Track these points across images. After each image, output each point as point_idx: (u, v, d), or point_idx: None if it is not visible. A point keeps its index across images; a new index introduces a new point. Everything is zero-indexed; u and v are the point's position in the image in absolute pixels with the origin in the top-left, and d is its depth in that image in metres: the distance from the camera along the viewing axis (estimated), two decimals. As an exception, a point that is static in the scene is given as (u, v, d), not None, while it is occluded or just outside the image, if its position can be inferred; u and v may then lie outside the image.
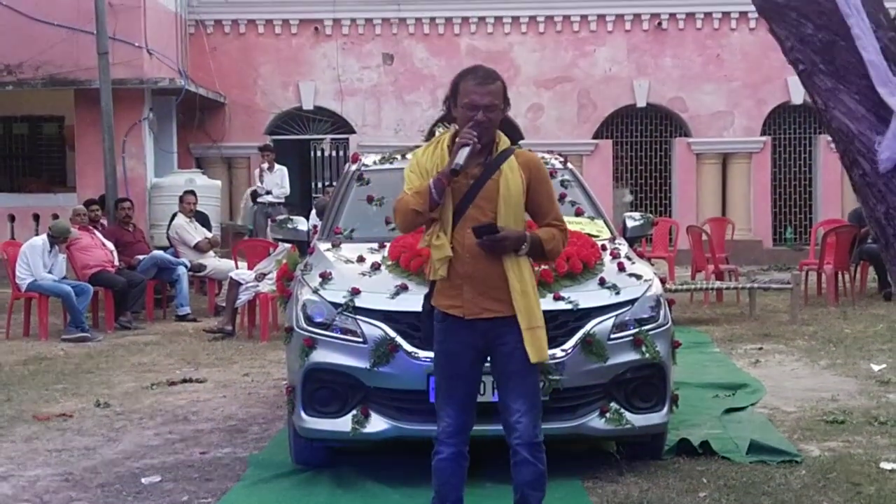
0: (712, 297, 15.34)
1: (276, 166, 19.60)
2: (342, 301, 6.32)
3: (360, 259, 6.73)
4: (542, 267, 6.41)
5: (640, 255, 7.49)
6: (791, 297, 13.60)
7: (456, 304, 4.87)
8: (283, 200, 19.59)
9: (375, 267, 6.58)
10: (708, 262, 15.75)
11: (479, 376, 5.01)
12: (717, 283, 14.78)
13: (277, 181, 19.44)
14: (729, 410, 8.25)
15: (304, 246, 7.64)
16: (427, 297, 5.07)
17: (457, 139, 4.83)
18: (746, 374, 9.79)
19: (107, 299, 13.80)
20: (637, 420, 6.38)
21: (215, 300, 14.80)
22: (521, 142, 20.39)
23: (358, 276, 6.52)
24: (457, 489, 5.02)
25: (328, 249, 7.08)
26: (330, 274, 6.56)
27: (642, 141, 23.28)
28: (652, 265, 7.63)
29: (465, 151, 4.73)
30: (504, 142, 4.97)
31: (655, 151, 23.30)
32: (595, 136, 22.71)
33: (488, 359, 4.97)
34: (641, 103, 22.65)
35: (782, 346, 11.41)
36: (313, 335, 6.32)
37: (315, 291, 6.47)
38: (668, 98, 22.63)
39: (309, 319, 6.39)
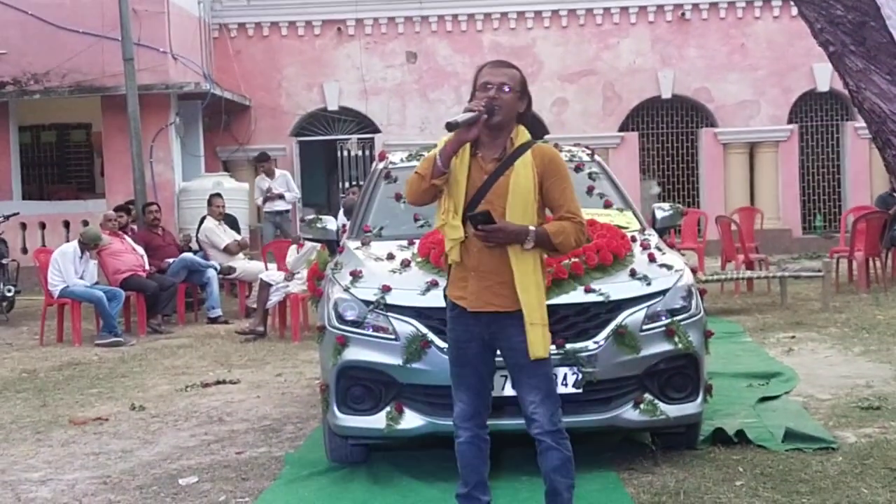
0: (743, 287, 15.29)
1: (277, 172, 19.37)
2: (373, 298, 6.32)
3: (390, 256, 6.74)
4: (573, 260, 6.42)
5: (671, 246, 7.46)
6: (822, 284, 13.55)
7: (462, 296, 4.95)
8: (289, 208, 19.35)
9: (405, 264, 6.58)
10: (738, 252, 15.69)
11: (489, 365, 5.05)
12: (748, 273, 14.72)
13: (284, 187, 19.18)
14: (763, 399, 8.21)
15: (333, 245, 7.66)
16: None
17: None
18: (779, 363, 9.75)
19: (139, 303, 13.88)
20: (671, 411, 6.36)
21: (246, 302, 14.86)
22: (546, 136, 20.42)
23: (388, 273, 6.53)
24: (479, 472, 5.10)
25: (358, 248, 7.09)
26: (360, 272, 6.57)
27: (668, 132, 23.23)
28: (682, 255, 7.60)
29: (467, 115, 4.76)
30: (522, 136, 4.97)
31: (682, 142, 23.25)
32: (621, 129, 22.68)
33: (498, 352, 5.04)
34: (667, 94, 22.60)
35: (815, 334, 11.36)
36: (345, 333, 6.33)
37: (346, 290, 6.48)
38: (693, 88, 22.58)
39: (341, 318, 6.40)
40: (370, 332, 6.29)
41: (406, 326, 6.18)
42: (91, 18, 18.70)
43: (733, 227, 16.15)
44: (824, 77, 21.71)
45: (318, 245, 8.49)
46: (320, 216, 7.98)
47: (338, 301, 6.48)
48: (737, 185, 22.58)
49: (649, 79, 22.56)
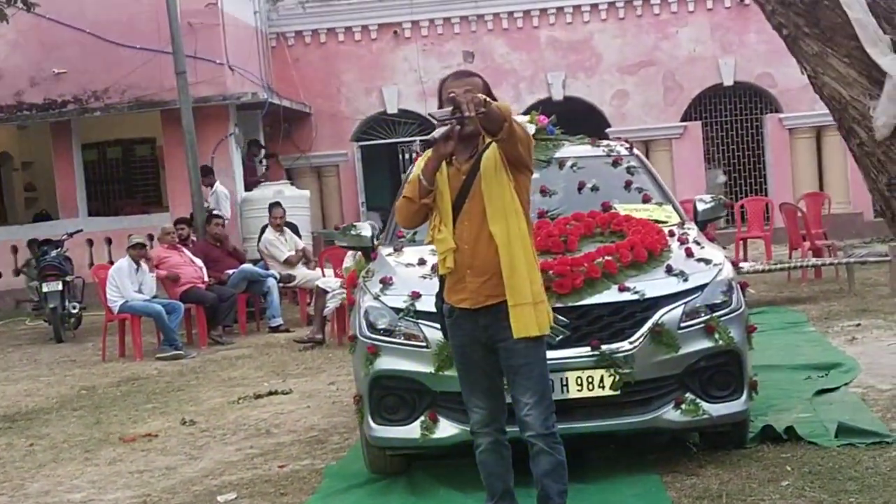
0: (810, 275, 14.95)
1: (215, 186, 18.13)
2: (403, 306, 6.22)
3: (421, 262, 6.60)
4: (607, 258, 6.27)
5: (711, 239, 7.25)
6: (890, 269, 13.18)
7: (463, 297, 4.95)
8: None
9: (436, 269, 6.45)
10: (804, 239, 15.36)
11: (496, 367, 5.01)
12: (813, 260, 14.38)
13: (214, 203, 17.68)
14: (821, 392, 7.95)
15: (368, 252, 7.55)
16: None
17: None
18: (841, 353, 9.46)
19: (198, 315, 13.93)
20: (714, 410, 6.18)
21: (307, 309, 14.86)
22: (607, 130, 20.22)
23: (418, 279, 6.40)
24: (503, 480, 5.08)
25: (390, 254, 6.99)
26: (391, 279, 6.47)
27: (732, 120, 22.85)
28: (725, 248, 7.39)
29: (441, 129, 4.77)
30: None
31: (746, 129, 22.86)
32: (683, 119, 22.37)
33: None
34: (728, 82, 22.26)
35: (881, 321, 11.03)
36: (376, 342, 6.23)
37: (376, 298, 6.38)
38: (755, 74, 22.20)
39: (372, 326, 6.31)
40: (401, 340, 6.19)
41: (437, 333, 6.00)
42: (147, 34, 18.84)
43: (799, 213, 15.81)
44: (891, 56, 21.19)
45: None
46: (354, 223, 7.87)
47: (368, 309, 6.39)
48: (805, 170, 22.16)
49: (710, 67, 22.22)
